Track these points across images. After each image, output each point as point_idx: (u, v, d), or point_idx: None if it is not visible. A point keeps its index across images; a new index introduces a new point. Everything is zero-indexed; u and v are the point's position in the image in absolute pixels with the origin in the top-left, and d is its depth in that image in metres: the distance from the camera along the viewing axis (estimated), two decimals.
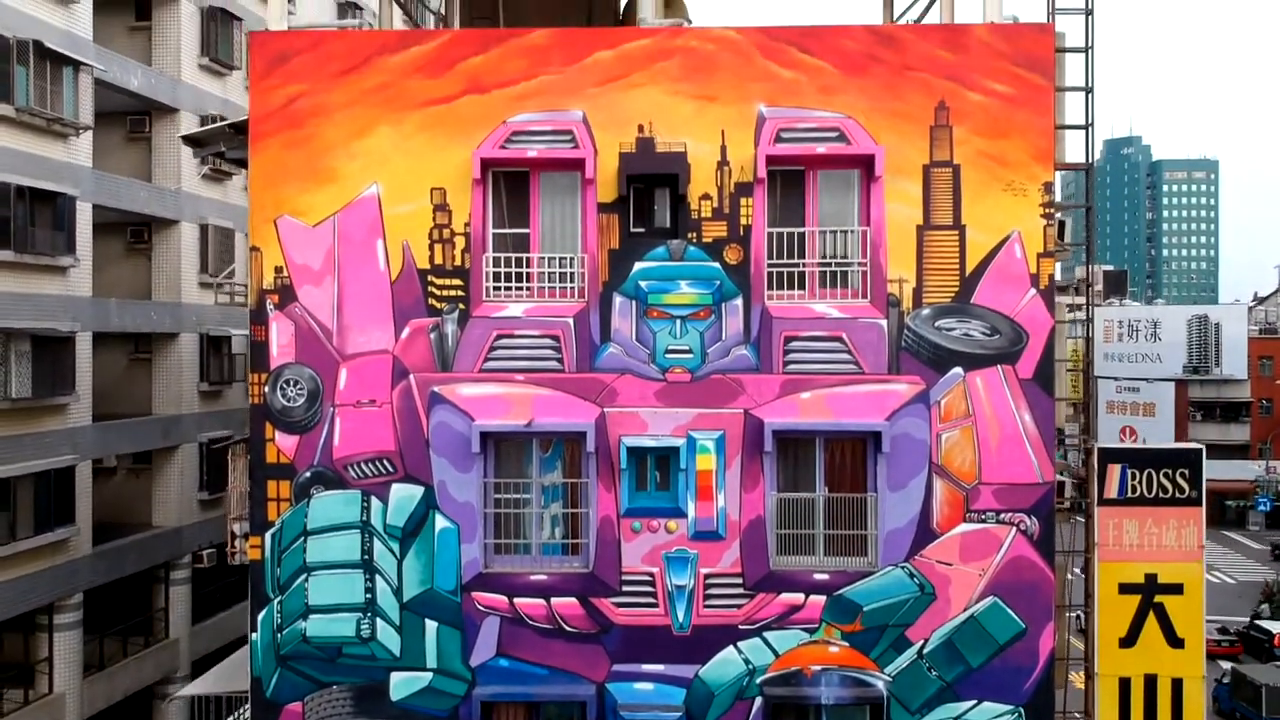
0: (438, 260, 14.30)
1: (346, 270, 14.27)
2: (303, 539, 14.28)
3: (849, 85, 14.13)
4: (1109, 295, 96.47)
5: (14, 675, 25.49)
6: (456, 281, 14.29)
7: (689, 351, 14.19)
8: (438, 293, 14.30)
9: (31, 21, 24.99)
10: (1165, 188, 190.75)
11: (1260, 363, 72.02)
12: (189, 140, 15.80)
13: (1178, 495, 14.07)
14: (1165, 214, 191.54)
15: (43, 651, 26.04)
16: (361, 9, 41.02)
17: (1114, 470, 14.10)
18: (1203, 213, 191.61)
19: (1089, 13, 14.65)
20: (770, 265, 14.27)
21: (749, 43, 14.18)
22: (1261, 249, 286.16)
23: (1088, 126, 14.81)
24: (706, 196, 14.18)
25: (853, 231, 14.30)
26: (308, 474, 14.31)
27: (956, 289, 14.14)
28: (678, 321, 14.18)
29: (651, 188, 14.06)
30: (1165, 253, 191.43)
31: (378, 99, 14.24)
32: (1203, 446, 14.51)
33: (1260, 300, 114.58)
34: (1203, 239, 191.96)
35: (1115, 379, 74.98)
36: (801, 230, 14.31)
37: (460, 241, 14.29)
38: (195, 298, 31.83)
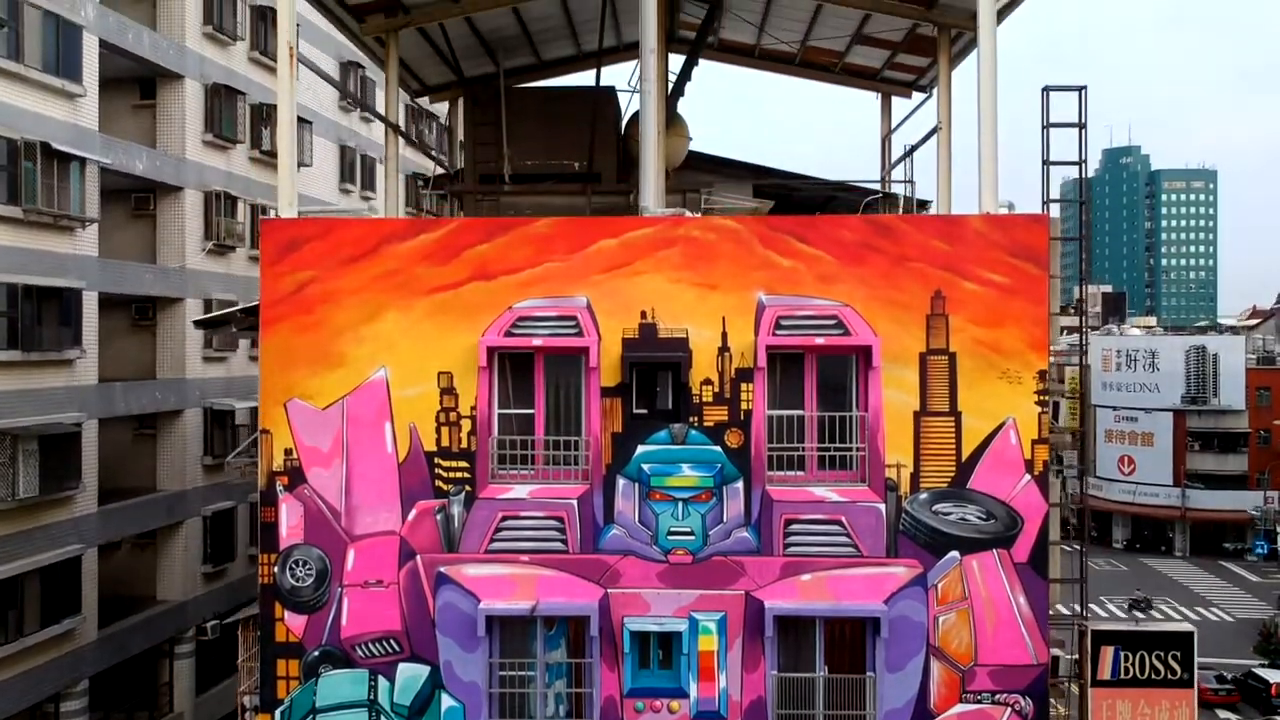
0: (444, 442, 14.58)
1: (355, 453, 14.55)
2: (311, 717, 14.58)
3: (847, 274, 14.41)
4: (1108, 317, 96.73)
5: None
6: (463, 463, 14.57)
7: (691, 533, 14.49)
8: (444, 475, 14.58)
9: (39, 119, 25.21)
10: (1164, 197, 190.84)
11: (1258, 393, 72.30)
12: (201, 324, 16.08)
13: (1170, 677, 14.39)
14: (1164, 223, 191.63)
15: None
16: (364, 67, 41.37)
17: (1107, 653, 14.42)
18: (1202, 222, 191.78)
19: (1082, 203, 14.93)
20: (770, 449, 14.56)
21: (749, 232, 14.46)
22: (1261, 259, 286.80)
23: (1082, 315, 15.10)
24: (708, 382, 14.46)
25: (851, 416, 14.58)
26: (316, 653, 14.61)
27: (953, 474, 14.43)
28: (680, 504, 14.47)
29: (654, 372, 14.33)
30: (1164, 262, 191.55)
31: (386, 285, 14.52)
32: (1193, 630, 14.81)
33: (1263, 316, 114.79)
34: (1202, 249, 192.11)
35: (1114, 408, 75.33)
36: (801, 414, 14.59)
37: (466, 424, 14.57)
38: (199, 372, 32.13)
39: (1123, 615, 57.47)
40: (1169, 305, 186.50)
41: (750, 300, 14.44)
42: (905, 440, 14.43)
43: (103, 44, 27.79)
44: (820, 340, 14.26)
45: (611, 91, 22.51)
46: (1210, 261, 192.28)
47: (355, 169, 42.05)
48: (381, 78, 24.49)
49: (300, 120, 34.51)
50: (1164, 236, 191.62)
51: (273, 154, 35.31)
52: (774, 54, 24.10)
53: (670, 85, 22.14)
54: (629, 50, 24.32)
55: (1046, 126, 15.72)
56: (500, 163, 21.55)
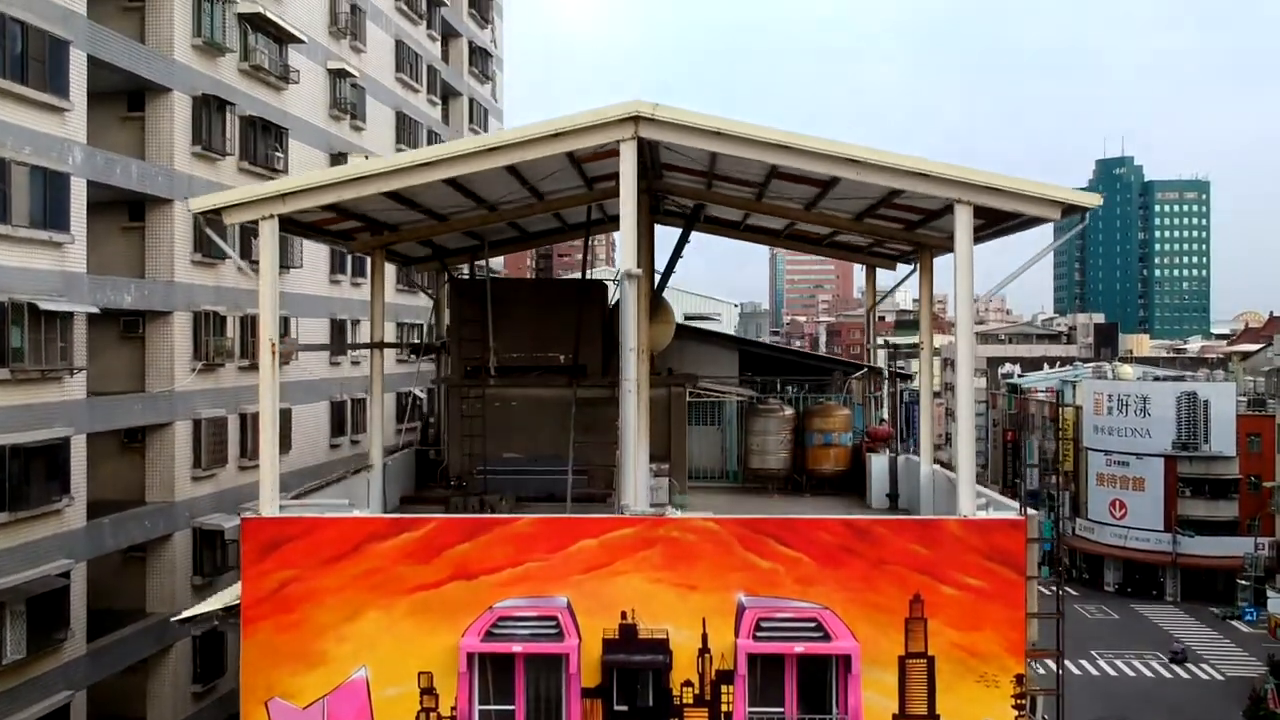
0: None
1: None
2: None
3: (826, 576, 14.50)
4: (1100, 348, 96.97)
5: None
6: None
7: None
8: None
9: (25, 274, 25.15)
10: (1157, 208, 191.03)
11: (1249, 439, 72.53)
12: (184, 621, 16.11)
13: None
14: (1157, 234, 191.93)
15: None
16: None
17: None
18: (1195, 233, 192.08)
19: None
20: None
21: (728, 534, 14.54)
22: (1253, 270, 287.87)
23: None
24: (688, 683, 14.56)
25: (831, 719, 14.68)
26: None
27: None
28: None
29: (635, 674, 14.41)
30: (1157, 273, 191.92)
31: (367, 584, 14.58)
32: None
33: (1255, 335, 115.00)
34: (1195, 259, 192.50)
35: (1105, 452, 75.57)
36: (782, 713, 14.69)
37: None
38: (188, 492, 32.16)
39: (1114, 673, 57.90)
40: (1161, 316, 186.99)
41: (730, 601, 14.53)
42: None
43: (90, 184, 27.75)
44: (800, 649, 14.34)
45: (598, 284, 22.59)
46: (1203, 272, 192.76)
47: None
48: None
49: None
50: (1157, 248, 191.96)
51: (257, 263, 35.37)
52: (761, 229, 24.11)
53: (657, 279, 22.20)
54: (614, 221, 24.35)
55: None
56: (487, 355, 21.63)
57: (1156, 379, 76.67)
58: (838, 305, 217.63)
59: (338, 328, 41.25)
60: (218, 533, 32.69)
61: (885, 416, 24.40)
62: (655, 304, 21.84)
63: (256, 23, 34.67)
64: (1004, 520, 14.58)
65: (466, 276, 23.40)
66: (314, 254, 39.29)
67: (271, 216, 14.53)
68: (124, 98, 31.35)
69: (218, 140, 32.98)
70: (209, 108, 32.51)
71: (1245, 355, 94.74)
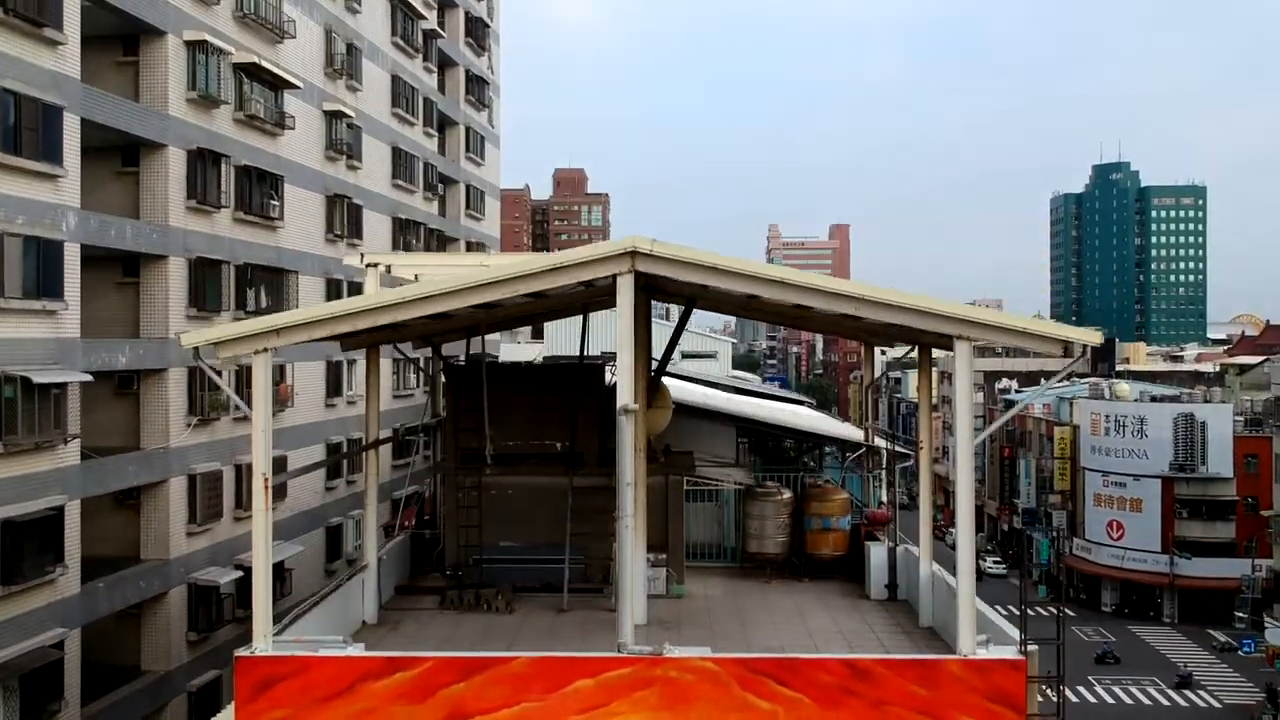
0: None
1: None
2: None
3: (825, 718, 14.36)
4: (1097, 362, 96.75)
5: None
6: None
7: None
8: None
9: (17, 344, 25.04)
10: (1154, 214, 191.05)
11: (1246, 461, 72.52)
12: None
13: None
14: (1154, 240, 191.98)
15: None
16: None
17: None
18: (1191, 239, 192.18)
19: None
20: None
21: (726, 674, 14.41)
22: (1249, 274, 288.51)
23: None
24: None
25: None
26: None
27: None
28: None
29: None
30: (1154, 279, 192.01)
31: None
32: None
33: (1251, 345, 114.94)
34: (1191, 264, 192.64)
35: (1103, 473, 75.56)
36: None
37: None
38: (182, 548, 32.05)
39: (1111, 700, 57.94)
40: (1158, 321, 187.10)
41: None
42: None
43: (85, 248, 27.63)
44: None
45: (596, 367, 22.45)
46: (1199, 277, 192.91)
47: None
48: None
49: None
50: (1154, 253, 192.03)
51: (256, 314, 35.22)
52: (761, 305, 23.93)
53: (655, 365, 22.06)
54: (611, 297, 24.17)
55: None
56: (483, 443, 21.49)
57: (1154, 399, 76.61)
58: None
59: (333, 370, 41.09)
60: (213, 588, 32.58)
61: (884, 499, 24.28)
62: (653, 387, 21.72)
63: (252, 71, 34.50)
64: (1004, 661, 14.45)
65: (461, 362, 23.23)
66: (309, 293, 39.16)
67: (265, 350, 14.36)
68: (118, 153, 31.19)
69: (213, 193, 32.83)
70: (204, 161, 32.37)
71: (1242, 369, 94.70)
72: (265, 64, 34.64)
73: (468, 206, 57.28)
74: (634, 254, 14.41)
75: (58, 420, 26.27)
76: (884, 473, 24.34)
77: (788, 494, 22.86)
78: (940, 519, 76.77)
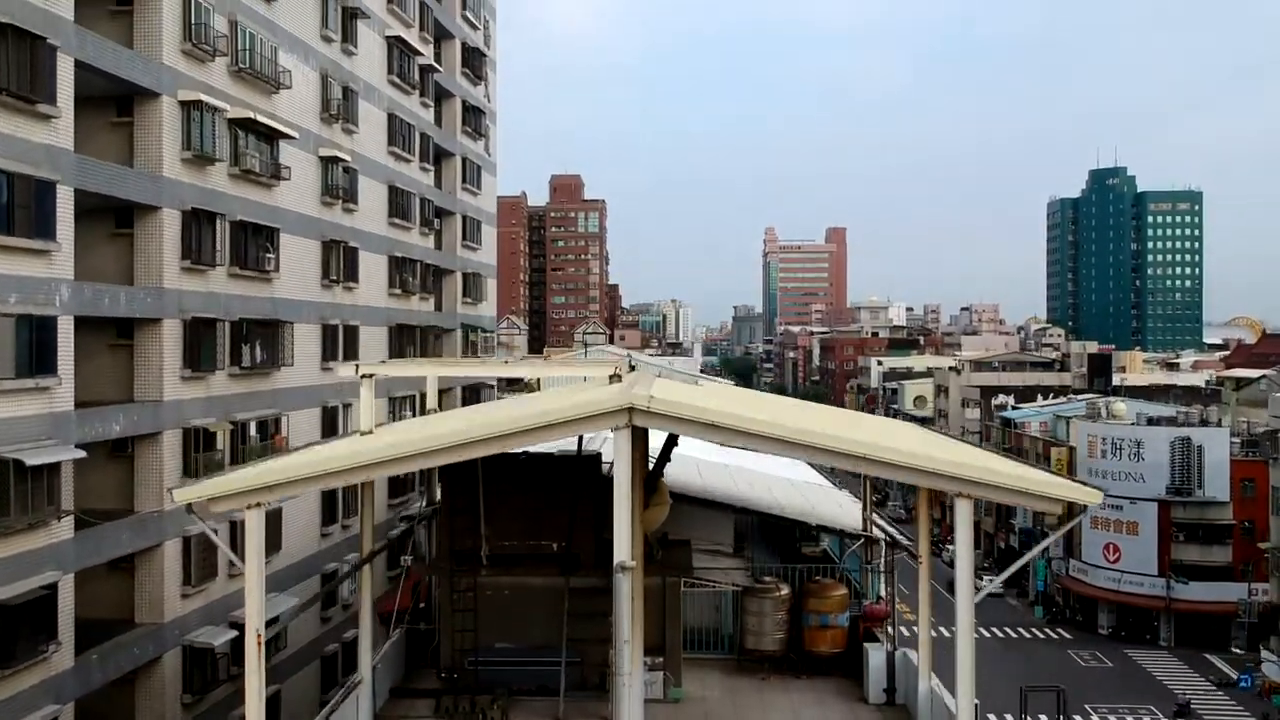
0: None
1: None
2: None
3: None
4: (1094, 377, 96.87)
5: None
6: None
7: None
8: None
9: (10, 423, 24.85)
10: (1150, 219, 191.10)
11: (1242, 484, 72.50)
12: None
13: None
14: (1150, 245, 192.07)
15: None
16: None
17: None
18: (1187, 244, 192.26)
19: None
20: None
21: None
22: (1244, 278, 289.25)
23: None
24: None
25: None
26: None
27: None
28: None
29: None
30: (1150, 284, 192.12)
31: None
32: None
33: (1247, 353, 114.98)
34: (1187, 269, 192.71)
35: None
36: None
37: None
38: (177, 610, 31.91)
39: None
40: (1154, 326, 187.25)
41: None
42: None
43: (77, 320, 27.44)
44: None
45: (593, 461, 22.29)
46: (1195, 282, 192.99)
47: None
48: None
49: None
50: (1150, 258, 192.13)
51: (251, 370, 35.18)
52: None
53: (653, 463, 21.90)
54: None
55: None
56: (479, 542, 21.34)
57: (1151, 420, 76.50)
58: (831, 316, 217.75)
59: (329, 416, 40.94)
60: (208, 650, 32.46)
61: (882, 593, 24.14)
62: (651, 487, 21.57)
63: (247, 125, 34.29)
64: None
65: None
66: (305, 341, 38.99)
67: (258, 505, 14.20)
68: (112, 215, 30.99)
69: (208, 251, 32.66)
70: (199, 220, 32.19)
71: (1239, 384, 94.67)
72: (261, 118, 34.43)
73: (464, 237, 57.06)
74: (631, 410, 14.24)
75: (50, 497, 26.14)
76: (883, 563, 24.22)
77: (785, 590, 22.71)
78: (938, 532, 76.73)
